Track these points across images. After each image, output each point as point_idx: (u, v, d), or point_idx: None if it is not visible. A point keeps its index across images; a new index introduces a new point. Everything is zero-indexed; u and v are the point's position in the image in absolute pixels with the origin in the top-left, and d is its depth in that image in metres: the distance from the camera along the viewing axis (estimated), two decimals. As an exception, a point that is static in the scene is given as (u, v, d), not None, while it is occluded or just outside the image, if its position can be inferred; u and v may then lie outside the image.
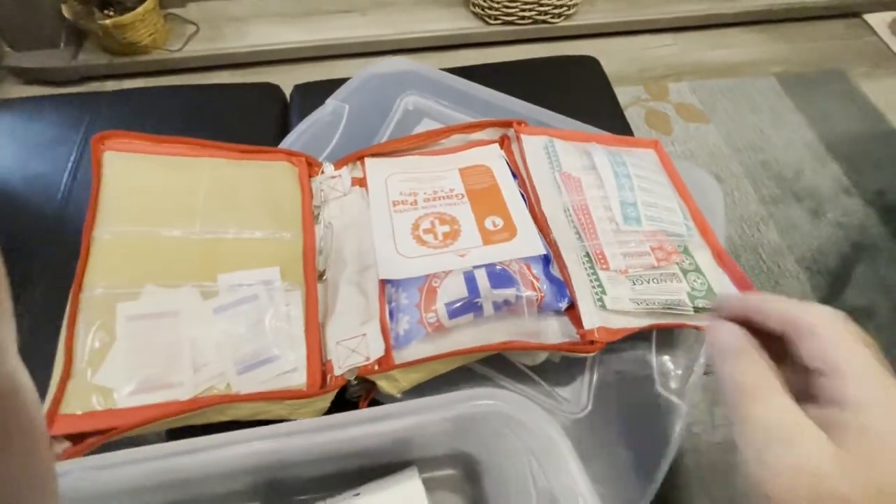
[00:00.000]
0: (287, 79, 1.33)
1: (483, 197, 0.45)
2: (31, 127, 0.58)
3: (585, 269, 0.40)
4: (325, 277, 0.42)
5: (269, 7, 1.41)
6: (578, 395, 0.41)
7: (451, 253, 0.41)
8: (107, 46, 1.27)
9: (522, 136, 0.48)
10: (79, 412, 0.29)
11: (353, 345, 0.38)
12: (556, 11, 1.35)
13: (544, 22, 1.37)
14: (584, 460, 0.31)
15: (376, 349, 0.37)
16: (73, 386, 0.30)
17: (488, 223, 0.43)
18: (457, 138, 0.51)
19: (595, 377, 0.41)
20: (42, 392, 0.43)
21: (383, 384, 0.37)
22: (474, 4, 1.37)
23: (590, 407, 0.40)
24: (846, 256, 1.06)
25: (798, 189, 1.16)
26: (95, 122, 0.59)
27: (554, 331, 0.40)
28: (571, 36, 1.42)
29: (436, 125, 0.55)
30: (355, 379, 0.37)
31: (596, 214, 0.43)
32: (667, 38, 1.45)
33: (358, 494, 0.32)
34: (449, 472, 0.38)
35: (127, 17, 1.18)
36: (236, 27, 1.36)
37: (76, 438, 0.29)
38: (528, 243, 0.41)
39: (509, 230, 0.42)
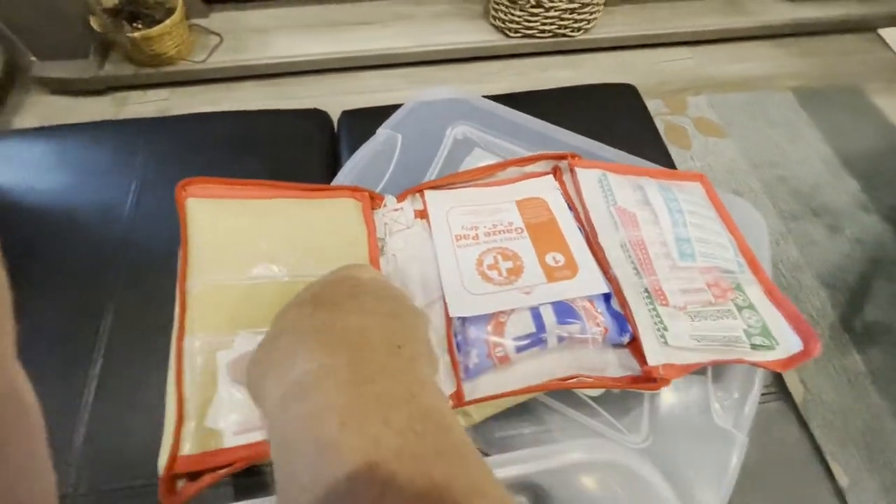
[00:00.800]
0: (310, 90, 1.37)
1: (542, 231, 0.47)
2: (87, 154, 0.60)
3: (646, 305, 0.42)
4: (392, 310, 0.44)
5: (291, 18, 1.42)
6: (638, 425, 0.42)
7: (516, 290, 0.42)
8: (132, 57, 1.28)
9: (577, 170, 0.50)
10: (194, 453, 0.31)
11: (428, 380, 0.39)
12: (576, 25, 1.37)
13: (564, 35, 1.39)
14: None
15: (448, 385, 0.39)
16: (188, 429, 0.32)
17: (549, 259, 0.45)
18: (511, 170, 0.52)
19: (653, 408, 0.43)
20: (119, 426, 0.45)
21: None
22: (495, 17, 1.38)
23: (651, 439, 0.41)
24: (864, 272, 1.08)
25: (816, 205, 1.18)
26: (149, 149, 0.60)
27: (615, 364, 0.42)
28: (590, 49, 1.44)
29: (487, 155, 0.57)
30: (432, 413, 0.38)
31: (652, 250, 0.45)
32: (684, 52, 1.47)
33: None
34: (517, 498, 0.40)
35: (155, 30, 1.19)
36: (259, 38, 1.38)
37: (190, 476, 0.31)
38: (591, 281, 0.43)
39: (571, 267, 0.44)
